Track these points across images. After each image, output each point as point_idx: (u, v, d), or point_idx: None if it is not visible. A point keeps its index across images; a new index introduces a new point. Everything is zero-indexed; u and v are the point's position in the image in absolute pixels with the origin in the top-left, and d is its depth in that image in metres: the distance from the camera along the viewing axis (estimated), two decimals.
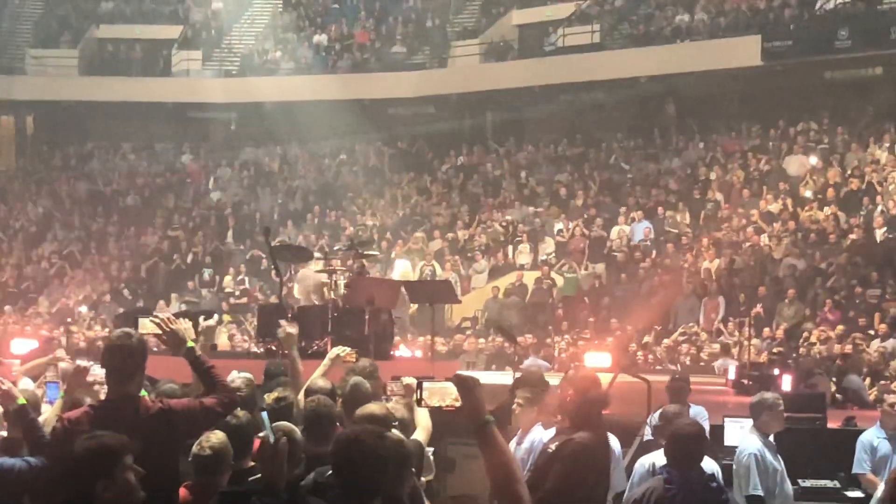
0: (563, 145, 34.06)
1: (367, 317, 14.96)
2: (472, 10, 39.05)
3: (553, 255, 28.34)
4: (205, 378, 6.31)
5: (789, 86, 30.85)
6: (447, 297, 19.85)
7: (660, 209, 28.52)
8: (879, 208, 25.35)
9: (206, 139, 39.65)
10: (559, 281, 27.11)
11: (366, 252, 17.23)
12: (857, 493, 10.42)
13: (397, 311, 21.89)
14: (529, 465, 7.30)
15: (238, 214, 33.93)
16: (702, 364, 22.06)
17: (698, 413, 11.04)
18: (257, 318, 17.80)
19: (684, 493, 6.98)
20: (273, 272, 21.01)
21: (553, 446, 6.70)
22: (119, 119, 38.61)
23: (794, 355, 20.06)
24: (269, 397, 7.71)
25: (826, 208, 26.20)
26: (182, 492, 6.21)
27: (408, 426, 7.22)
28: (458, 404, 4.49)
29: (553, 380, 9.27)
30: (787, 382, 15.70)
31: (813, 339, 21.03)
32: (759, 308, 23.05)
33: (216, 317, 9.47)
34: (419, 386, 4.70)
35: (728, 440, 10.57)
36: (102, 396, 6.30)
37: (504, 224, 30.05)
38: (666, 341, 23.36)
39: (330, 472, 5.25)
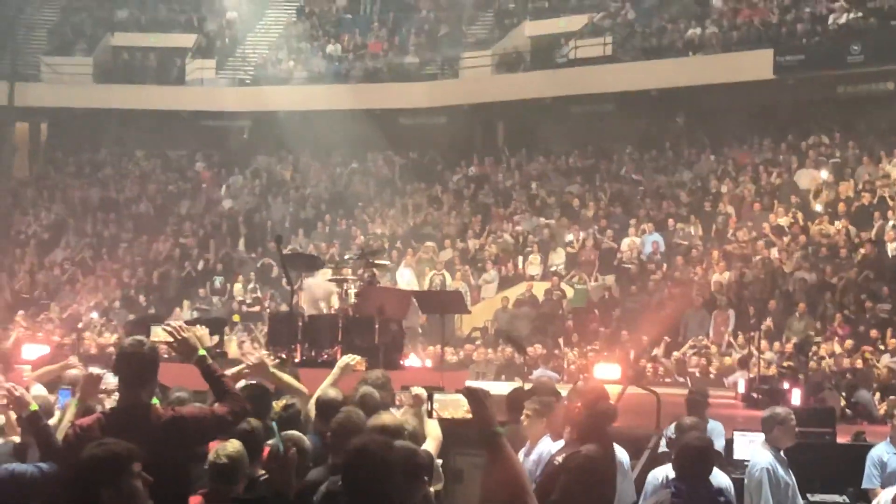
0: (574, 156, 34.08)
1: (377, 326, 14.99)
2: (484, 21, 39.11)
3: (563, 266, 28.35)
4: (216, 386, 6.34)
5: (801, 100, 30.87)
6: (457, 308, 19.88)
7: (670, 221, 28.52)
8: (891, 223, 25.30)
9: (219, 147, 39.73)
10: (569, 292, 27.11)
11: (376, 261, 17.26)
12: None
13: (408, 321, 21.98)
14: (537, 477, 7.33)
15: (250, 222, 33.99)
16: (711, 377, 22.06)
17: (714, 428, 11.04)
18: (268, 327, 17.84)
19: None
20: (284, 281, 21.07)
21: (560, 458, 6.73)
22: (132, 127, 38.69)
23: (804, 369, 20.03)
24: (276, 405, 7.75)
25: (837, 222, 26.16)
26: (197, 499, 6.24)
27: (417, 437, 7.25)
28: (469, 416, 4.52)
29: (562, 391, 9.30)
30: (796, 397, 15.70)
31: (823, 353, 21.01)
32: (769, 322, 23.03)
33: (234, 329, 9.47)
34: (430, 398, 4.74)
35: (737, 454, 10.59)
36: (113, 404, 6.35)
37: (514, 235, 30.08)
38: (676, 354, 23.35)
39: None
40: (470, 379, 18.38)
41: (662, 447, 10.35)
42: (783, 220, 26.84)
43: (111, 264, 32.61)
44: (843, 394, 17.50)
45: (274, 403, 7.80)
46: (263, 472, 6.57)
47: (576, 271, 27.94)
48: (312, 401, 8.04)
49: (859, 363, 19.91)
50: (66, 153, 39.62)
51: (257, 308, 28.53)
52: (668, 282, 26.20)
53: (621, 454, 7.75)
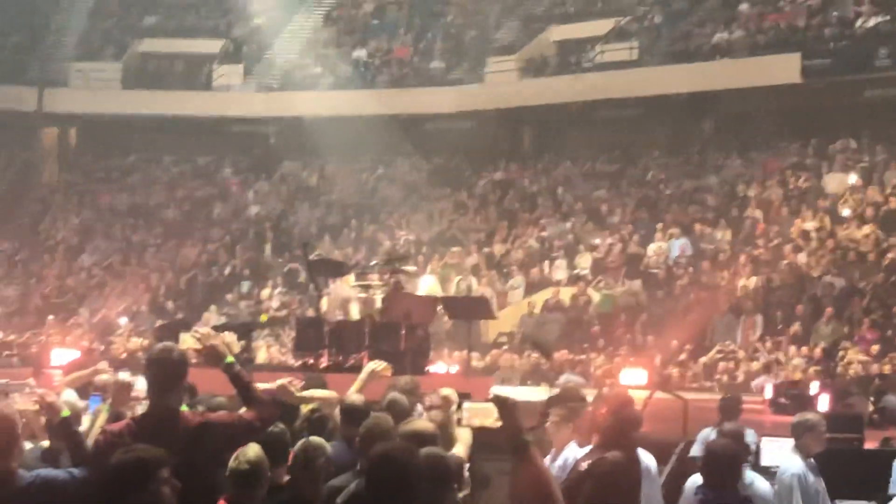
0: (600, 161, 34.04)
1: (403, 332, 15.02)
2: (510, 26, 39.07)
3: (589, 271, 28.32)
4: (243, 392, 6.38)
5: (828, 104, 30.72)
6: (484, 313, 19.90)
7: (697, 226, 28.45)
8: None
9: (246, 153, 39.87)
10: (596, 297, 27.07)
11: (402, 267, 17.30)
12: None
13: (435, 326, 22.01)
14: (561, 483, 7.32)
15: (276, 228, 34.11)
16: (738, 382, 22.00)
17: (746, 434, 11.02)
18: (295, 332, 17.89)
19: None
20: (311, 286, 21.12)
21: (585, 464, 6.73)
22: (160, 132, 38.95)
23: (832, 375, 19.97)
24: (304, 408, 7.80)
25: (865, 227, 26.04)
26: None
27: (442, 441, 7.25)
28: (498, 424, 4.55)
29: (588, 397, 9.30)
30: (824, 402, 15.65)
31: (850, 358, 20.93)
32: (796, 326, 22.97)
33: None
34: (459, 406, 4.78)
35: (765, 460, 10.56)
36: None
37: (540, 240, 30.06)
38: (703, 359, 23.30)
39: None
40: (496, 384, 18.40)
41: (696, 452, 10.36)
42: (810, 225, 26.73)
43: (139, 269, 32.78)
44: (871, 399, 17.43)
45: (303, 407, 7.85)
46: (288, 476, 6.62)
47: (602, 276, 27.91)
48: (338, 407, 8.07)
49: (887, 368, 19.81)
50: (95, 159, 39.83)
51: (284, 313, 28.61)
52: (695, 287, 26.15)
53: (648, 460, 7.74)
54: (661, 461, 9.53)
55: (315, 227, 33.82)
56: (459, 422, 4.64)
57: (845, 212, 27.13)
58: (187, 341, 6.74)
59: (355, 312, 16.47)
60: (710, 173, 31.50)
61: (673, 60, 33.17)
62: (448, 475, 5.76)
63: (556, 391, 9.90)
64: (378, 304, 15.91)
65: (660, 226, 28.73)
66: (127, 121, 38.77)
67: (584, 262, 28.57)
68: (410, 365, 14.20)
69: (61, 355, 18.14)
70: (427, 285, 23.07)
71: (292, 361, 17.44)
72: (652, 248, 28.13)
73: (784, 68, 30.43)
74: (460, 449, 7.49)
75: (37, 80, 38.91)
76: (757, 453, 10.99)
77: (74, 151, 41.07)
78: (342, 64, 38.59)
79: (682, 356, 23.49)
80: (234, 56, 39.88)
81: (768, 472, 9.38)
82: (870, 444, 12.57)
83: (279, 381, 7.33)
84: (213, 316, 28.47)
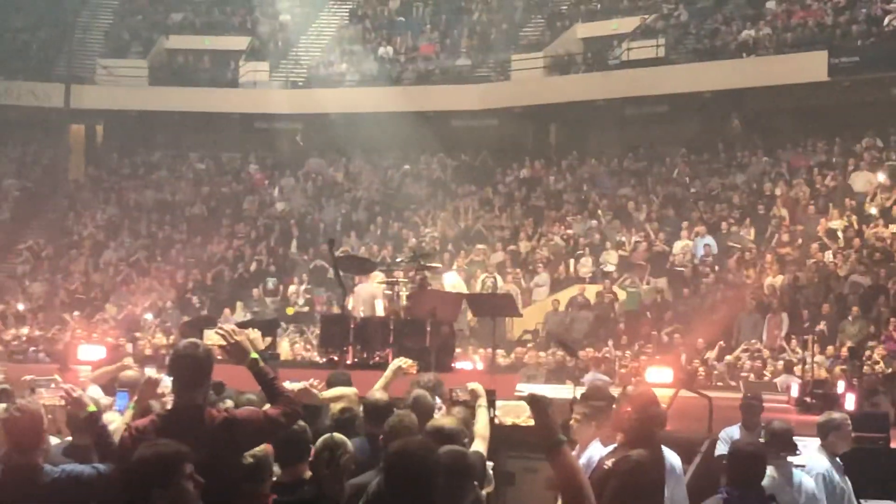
0: (626, 159, 33.99)
1: (428, 329, 15.02)
2: (536, 23, 39.06)
3: (615, 268, 28.28)
4: (268, 389, 6.39)
5: (856, 102, 30.58)
6: (509, 311, 19.88)
7: (723, 224, 28.38)
8: None
9: (272, 149, 39.97)
10: (621, 295, 27.04)
11: (428, 264, 17.30)
12: None
13: (459, 323, 22.01)
14: None
15: (302, 224, 34.17)
16: (764, 381, 21.92)
17: None
18: (320, 329, 17.90)
19: None
20: (337, 283, 21.15)
21: (609, 462, 6.72)
22: (186, 129, 39.09)
23: (858, 374, 19.87)
24: (334, 407, 7.81)
25: (892, 225, 25.92)
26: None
27: (467, 436, 7.25)
28: (531, 422, 4.54)
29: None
30: (850, 401, 15.58)
31: (876, 357, 20.84)
32: (822, 325, 22.88)
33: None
34: (492, 404, 4.78)
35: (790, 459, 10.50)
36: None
37: (565, 237, 30.03)
38: (728, 358, 23.24)
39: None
40: (521, 382, 18.38)
41: (720, 451, 10.33)
42: (837, 224, 26.62)
43: (165, 266, 32.89)
44: None
45: (332, 406, 7.86)
46: (310, 473, 6.63)
47: (628, 274, 27.87)
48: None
49: None
50: (121, 155, 39.97)
51: (307, 309, 28.69)
52: (721, 285, 26.09)
53: (673, 458, 7.71)
54: (686, 460, 9.51)
55: (340, 223, 33.86)
56: (493, 420, 4.61)
57: (872, 210, 27.02)
58: (212, 338, 6.73)
59: (380, 309, 16.49)
60: (736, 171, 31.41)
61: (699, 58, 33.12)
62: (469, 471, 5.76)
63: (582, 389, 9.90)
64: (403, 300, 15.91)
65: (686, 224, 28.69)
66: (153, 117, 38.93)
67: (610, 259, 28.53)
68: (435, 362, 14.21)
69: (88, 351, 18.20)
70: (451, 281, 23.10)
71: (317, 358, 17.47)
72: (678, 246, 28.08)
73: (811, 66, 30.33)
74: (479, 444, 7.47)
75: (64, 76, 39.10)
76: None
77: (101, 148, 41.24)
78: (368, 61, 38.64)
79: (708, 355, 23.43)
80: (260, 53, 39.99)
81: None
82: None
83: (301, 384, 7.33)
84: (238, 312, 28.55)
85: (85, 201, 37.80)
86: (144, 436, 5.77)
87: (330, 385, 9.29)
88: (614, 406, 8.14)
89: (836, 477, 8.80)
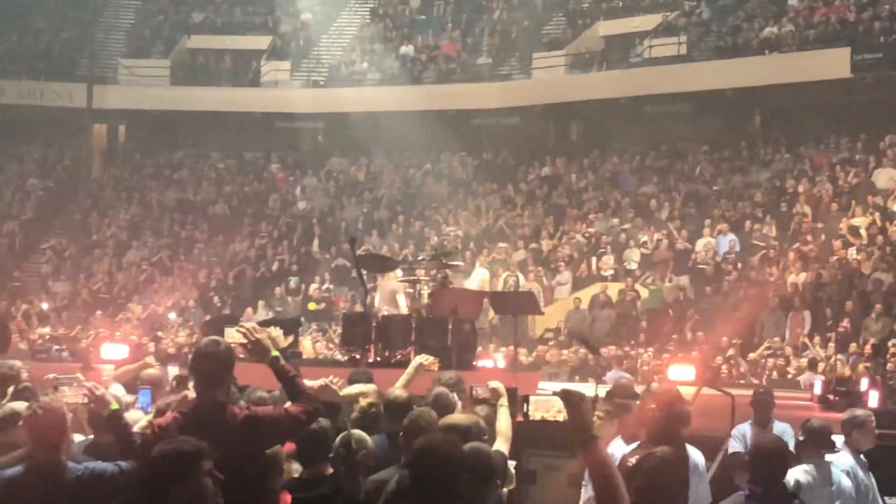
0: (648, 157, 33.90)
1: (450, 327, 15.01)
2: (558, 21, 39.01)
3: (637, 266, 28.22)
4: (289, 387, 6.39)
5: (878, 98, 30.39)
6: (531, 309, 19.83)
7: (746, 222, 28.29)
8: None
9: (294, 149, 40.06)
10: (644, 293, 26.99)
11: (449, 262, 17.29)
12: None
13: (481, 321, 21.99)
14: None
15: (324, 223, 34.22)
16: (787, 378, 21.87)
17: (784, 431, 10.93)
18: (342, 327, 17.92)
19: None
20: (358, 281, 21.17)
21: (633, 460, 6.71)
22: (208, 128, 39.21)
23: (881, 371, 19.79)
24: (362, 402, 7.82)
25: None
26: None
27: (488, 434, 7.24)
28: (560, 417, 4.53)
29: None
30: (874, 398, 15.51)
31: None
32: (845, 323, 22.79)
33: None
34: (525, 399, 4.77)
35: None
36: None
37: (587, 236, 29.98)
38: (751, 355, 23.18)
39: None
40: (543, 380, 18.37)
41: (735, 448, 10.29)
42: (860, 221, 26.50)
43: (188, 265, 32.99)
44: None
45: (360, 401, 7.87)
46: (332, 470, 6.64)
47: (650, 272, 27.81)
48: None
49: None
50: (144, 155, 40.10)
51: (322, 306, 28.73)
52: (744, 283, 26.02)
53: (697, 456, 7.71)
54: (709, 458, 9.48)
55: (362, 222, 33.89)
56: (527, 415, 4.59)
57: (895, 207, 26.88)
58: (233, 336, 6.75)
59: (403, 307, 16.48)
60: (758, 169, 31.29)
61: (722, 55, 33.03)
62: (491, 469, 5.75)
63: (604, 387, 9.87)
64: (425, 299, 15.90)
65: (708, 221, 28.61)
66: (175, 117, 39.05)
67: (633, 257, 28.47)
68: (457, 360, 14.20)
69: (111, 350, 18.30)
70: (479, 278, 23.10)
71: (339, 356, 17.47)
72: (700, 244, 28.00)
73: (833, 63, 30.21)
74: (501, 444, 7.46)
75: (86, 76, 39.26)
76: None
77: (123, 147, 41.39)
78: (389, 60, 38.67)
79: (731, 352, 23.37)
80: (281, 52, 40.06)
81: None
82: None
83: (320, 381, 7.34)
84: (260, 311, 28.62)
85: (107, 201, 37.95)
86: (167, 434, 5.78)
87: (352, 383, 9.30)
88: (638, 403, 8.13)
89: (861, 474, 8.77)
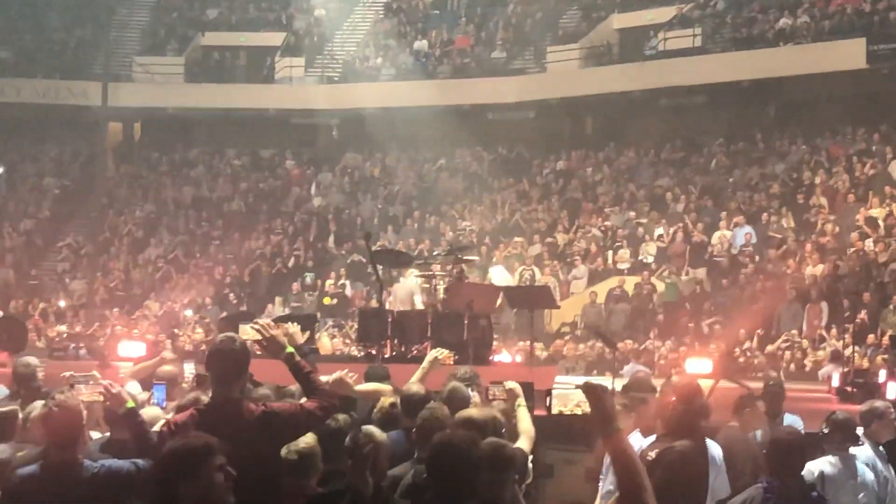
0: (664, 150, 33.82)
1: (466, 322, 15.00)
2: (572, 14, 38.94)
3: (653, 259, 28.17)
4: (304, 383, 6.40)
5: (895, 89, 30.31)
6: (546, 303, 19.81)
7: (763, 214, 28.19)
8: None
9: (309, 145, 40.08)
10: (660, 286, 26.94)
11: (465, 257, 17.27)
12: None
13: (504, 317, 21.98)
14: None
15: (339, 219, 34.23)
16: (806, 371, 21.80)
17: (794, 422, 10.90)
18: (358, 323, 17.92)
19: (783, 501, 6.93)
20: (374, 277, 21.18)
21: (652, 453, 6.69)
22: (223, 125, 39.26)
23: None
24: (384, 400, 7.82)
25: None
26: None
27: (509, 431, 7.22)
28: (577, 411, 4.52)
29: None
30: (892, 390, 15.44)
31: None
32: (863, 314, 22.70)
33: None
34: (548, 393, 4.75)
35: None
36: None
37: (603, 229, 29.93)
38: (769, 348, 23.11)
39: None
40: (560, 374, 18.35)
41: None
42: (877, 212, 26.40)
43: (204, 262, 33.03)
44: None
45: (383, 399, 7.87)
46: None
47: (666, 265, 27.75)
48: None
49: None
50: (159, 152, 40.15)
51: (334, 301, 28.73)
52: (761, 275, 25.94)
53: (715, 449, 7.69)
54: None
55: (377, 218, 33.90)
56: (549, 409, 4.56)
57: None
58: (247, 332, 6.74)
59: (419, 303, 16.46)
60: (774, 161, 31.18)
61: (737, 47, 32.90)
62: (508, 465, 5.73)
63: (621, 381, 9.84)
64: (441, 294, 15.89)
65: (724, 214, 28.53)
66: (190, 114, 39.09)
67: (649, 250, 28.42)
68: (473, 355, 14.19)
69: (129, 347, 18.31)
70: (500, 276, 23.09)
71: (356, 352, 17.47)
72: (716, 237, 27.93)
73: (849, 54, 30.09)
74: (524, 442, 7.43)
75: (101, 75, 39.30)
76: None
77: (138, 145, 41.44)
78: (403, 55, 38.65)
79: (748, 345, 23.30)
80: (295, 48, 40.05)
81: None
82: None
83: (336, 374, 7.33)
84: (276, 307, 28.64)
85: (123, 199, 38.00)
86: (182, 431, 5.78)
87: (368, 379, 9.29)
88: (656, 396, 8.10)
89: (880, 465, 8.75)
